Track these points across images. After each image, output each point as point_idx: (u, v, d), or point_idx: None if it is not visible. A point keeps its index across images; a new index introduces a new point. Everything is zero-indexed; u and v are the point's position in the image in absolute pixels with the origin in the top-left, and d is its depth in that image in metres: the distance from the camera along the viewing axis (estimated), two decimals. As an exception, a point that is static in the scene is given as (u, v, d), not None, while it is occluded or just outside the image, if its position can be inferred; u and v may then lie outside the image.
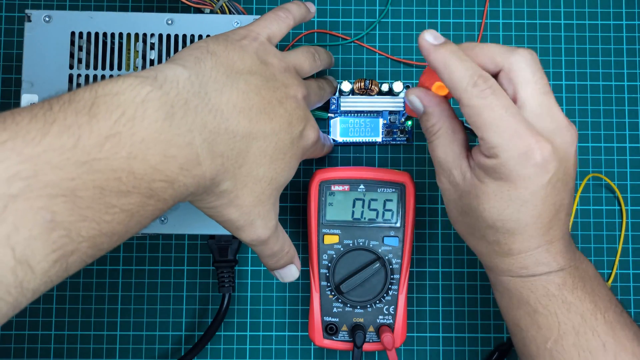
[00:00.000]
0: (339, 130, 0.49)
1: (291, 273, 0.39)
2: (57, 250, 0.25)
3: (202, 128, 0.29)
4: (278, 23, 0.38)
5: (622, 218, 0.50)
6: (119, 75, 0.42)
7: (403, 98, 0.48)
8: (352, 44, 0.51)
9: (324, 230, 0.45)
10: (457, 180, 0.36)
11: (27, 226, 0.23)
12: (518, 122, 0.32)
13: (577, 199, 0.50)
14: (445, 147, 0.36)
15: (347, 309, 0.45)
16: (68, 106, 0.26)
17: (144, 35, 0.43)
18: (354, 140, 0.49)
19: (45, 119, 0.25)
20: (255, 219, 0.34)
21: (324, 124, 0.49)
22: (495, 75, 0.34)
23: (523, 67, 0.33)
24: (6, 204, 0.23)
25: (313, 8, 0.42)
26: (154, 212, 0.28)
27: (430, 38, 0.34)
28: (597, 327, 0.35)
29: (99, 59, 0.42)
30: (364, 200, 0.46)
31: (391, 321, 0.45)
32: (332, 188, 0.46)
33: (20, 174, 0.23)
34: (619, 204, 0.50)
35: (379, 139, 0.49)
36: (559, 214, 0.35)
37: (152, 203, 0.28)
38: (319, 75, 0.49)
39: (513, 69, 0.33)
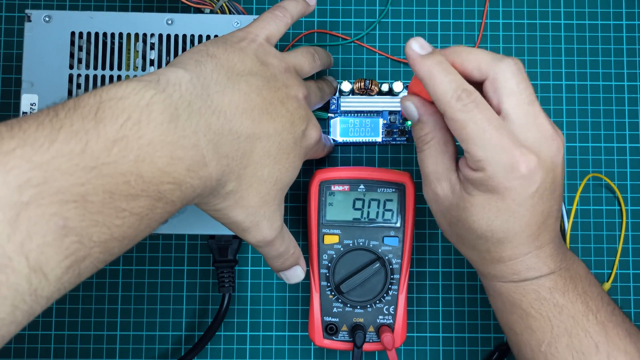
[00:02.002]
0: (339, 130, 0.49)
1: (297, 274, 0.39)
2: (69, 257, 0.25)
3: (207, 129, 0.29)
4: (276, 22, 0.38)
5: (622, 218, 0.50)
6: (120, 79, 0.42)
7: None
8: (352, 44, 0.51)
9: (324, 230, 0.45)
10: (446, 192, 0.36)
11: (40, 233, 0.23)
12: (502, 135, 0.32)
13: (577, 198, 0.50)
14: (435, 158, 0.36)
15: (347, 309, 0.45)
16: (74, 112, 0.26)
17: (144, 35, 0.43)
18: (354, 140, 0.49)
19: (52, 125, 0.25)
20: (261, 220, 0.34)
21: (324, 124, 0.49)
22: (481, 83, 0.34)
23: (508, 77, 0.33)
24: (19, 212, 0.23)
25: (313, 0, 0.42)
26: (162, 215, 0.28)
27: (416, 47, 0.34)
28: (589, 328, 0.35)
29: (99, 59, 0.42)
30: (364, 200, 0.46)
31: (391, 321, 0.45)
32: (332, 188, 0.46)
33: (31, 181, 0.23)
34: (619, 204, 0.50)
35: (379, 139, 0.49)
36: (547, 221, 0.35)
37: (161, 206, 0.28)
38: (319, 75, 0.49)
39: (498, 79, 0.33)
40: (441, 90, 0.33)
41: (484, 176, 0.33)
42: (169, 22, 0.43)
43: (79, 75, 0.42)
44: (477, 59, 0.34)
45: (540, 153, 0.33)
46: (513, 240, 0.35)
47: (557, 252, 0.36)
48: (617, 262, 0.49)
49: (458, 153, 0.37)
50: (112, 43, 0.43)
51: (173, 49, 0.43)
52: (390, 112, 0.49)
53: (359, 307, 0.45)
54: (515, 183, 0.32)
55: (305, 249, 0.49)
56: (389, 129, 0.49)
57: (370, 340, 0.45)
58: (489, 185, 0.33)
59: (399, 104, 0.48)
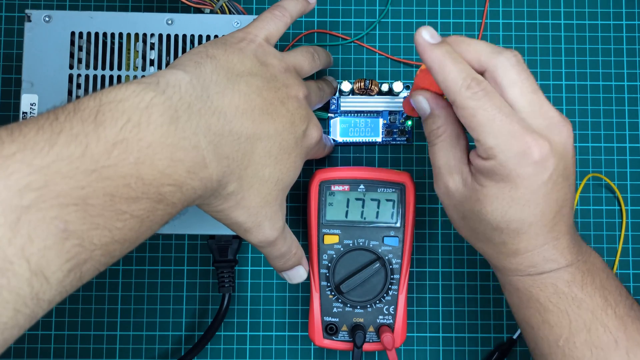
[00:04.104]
0: (339, 130, 0.49)
1: (299, 274, 0.39)
2: (71, 260, 0.25)
3: (207, 131, 0.29)
4: (275, 22, 0.38)
5: (622, 218, 0.50)
6: (120, 79, 0.42)
7: (403, 97, 0.48)
8: (352, 44, 0.51)
9: (324, 230, 0.45)
10: (458, 185, 0.35)
11: (41, 237, 0.23)
12: (513, 122, 0.32)
13: (577, 198, 0.50)
14: (447, 152, 0.36)
15: (347, 309, 0.45)
16: (73, 115, 0.26)
17: (144, 35, 0.43)
18: (354, 140, 0.49)
19: (52, 129, 0.25)
20: (263, 221, 0.34)
21: (324, 124, 0.49)
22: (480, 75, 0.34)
23: (508, 68, 0.33)
24: (19, 216, 0.23)
25: None
26: (163, 217, 0.28)
27: (427, 36, 0.34)
28: (608, 323, 0.35)
29: (99, 59, 0.42)
30: (364, 200, 0.46)
31: (391, 321, 0.45)
32: (332, 188, 0.46)
33: (31, 185, 0.23)
34: (619, 204, 0.50)
35: (379, 139, 0.49)
36: (562, 210, 0.34)
37: (162, 208, 0.28)
38: (319, 75, 0.49)
39: (498, 71, 0.33)
40: (451, 79, 0.33)
41: (495, 164, 0.32)
42: (169, 22, 0.43)
43: (79, 75, 0.42)
44: (476, 51, 0.34)
45: (552, 139, 0.33)
46: (529, 231, 0.34)
47: (573, 244, 0.36)
48: (617, 262, 0.49)
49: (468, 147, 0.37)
50: (112, 43, 0.43)
51: (173, 49, 0.43)
52: (390, 112, 0.49)
53: (359, 307, 0.45)
54: (528, 170, 0.32)
55: (305, 249, 0.49)
56: (389, 129, 0.49)
57: (370, 340, 0.45)
58: (501, 173, 0.33)
59: (399, 104, 0.48)
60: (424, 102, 0.36)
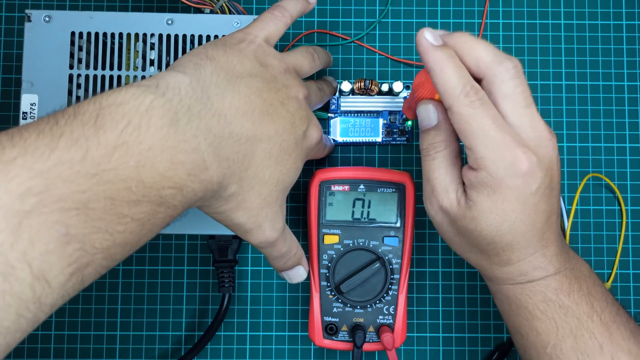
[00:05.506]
0: (339, 130, 0.49)
1: (299, 274, 0.40)
2: (72, 264, 0.25)
3: (207, 133, 0.29)
4: (275, 23, 0.37)
5: (622, 218, 0.50)
6: (120, 79, 0.42)
7: (403, 97, 0.48)
8: (352, 44, 0.51)
9: (324, 230, 0.45)
10: (452, 203, 0.35)
11: (42, 241, 0.23)
12: (505, 134, 0.32)
13: (577, 198, 0.50)
14: (445, 168, 0.36)
15: (347, 309, 0.45)
16: (74, 119, 0.26)
17: (144, 35, 0.43)
18: (354, 140, 0.49)
19: (52, 133, 0.25)
20: (263, 222, 0.34)
21: (324, 124, 0.49)
22: (478, 82, 0.34)
23: (505, 80, 0.33)
24: (20, 221, 0.23)
25: None
26: (164, 220, 0.28)
27: (429, 37, 0.33)
28: (594, 329, 0.35)
29: (99, 59, 0.42)
30: (364, 200, 0.46)
31: (391, 321, 0.45)
32: (332, 188, 0.46)
33: (32, 189, 0.23)
34: (619, 204, 0.50)
35: (379, 139, 0.49)
36: (550, 219, 0.35)
37: (163, 210, 0.28)
38: (319, 75, 0.49)
39: (495, 82, 0.33)
40: (450, 84, 0.33)
41: (485, 175, 0.33)
42: (169, 22, 0.43)
43: (79, 75, 0.42)
44: (477, 57, 0.34)
45: (539, 153, 0.33)
46: (521, 241, 0.35)
47: (561, 251, 0.36)
48: (617, 262, 0.49)
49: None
50: (112, 43, 0.43)
51: (173, 49, 0.43)
52: (390, 112, 0.49)
53: (359, 307, 0.45)
54: (517, 181, 0.33)
55: (305, 249, 0.49)
56: (389, 129, 0.49)
57: (370, 340, 0.45)
58: (491, 184, 0.33)
59: (399, 104, 0.48)
60: (432, 112, 0.36)
